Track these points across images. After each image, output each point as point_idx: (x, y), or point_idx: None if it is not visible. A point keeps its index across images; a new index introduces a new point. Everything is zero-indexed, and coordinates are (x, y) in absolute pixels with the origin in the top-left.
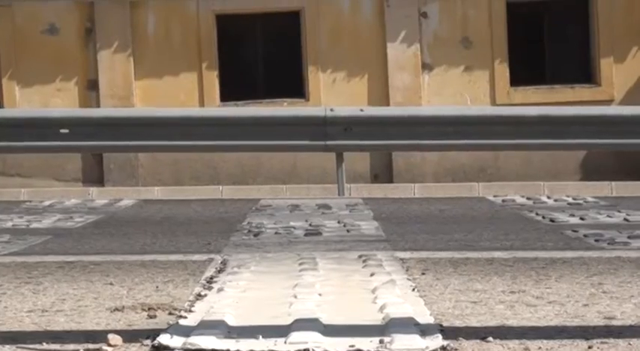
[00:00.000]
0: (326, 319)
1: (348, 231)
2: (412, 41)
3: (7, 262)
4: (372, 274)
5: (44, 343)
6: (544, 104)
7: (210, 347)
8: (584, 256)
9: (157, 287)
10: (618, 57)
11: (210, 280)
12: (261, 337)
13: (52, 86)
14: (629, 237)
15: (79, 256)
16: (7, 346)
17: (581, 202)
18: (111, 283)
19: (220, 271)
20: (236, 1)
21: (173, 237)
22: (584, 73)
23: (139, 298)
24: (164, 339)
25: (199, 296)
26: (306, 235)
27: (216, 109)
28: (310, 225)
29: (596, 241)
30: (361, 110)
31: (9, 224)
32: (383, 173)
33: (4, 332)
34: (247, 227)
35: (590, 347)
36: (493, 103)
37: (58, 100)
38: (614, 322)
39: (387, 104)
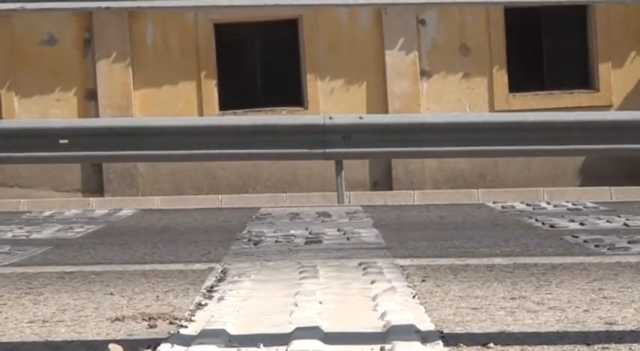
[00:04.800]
0: (327, 327)
1: (348, 239)
2: (410, 48)
3: (8, 272)
4: (372, 282)
5: None
6: (543, 110)
7: None
8: (585, 262)
9: (158, 297)
10: (616, 62)
11: (211, 289)
12: (262, 345)
13: (50, 96)
14: (628, 242)
15: (80, 266)
16: None
17: (580, 207)
18: (111, 293)
19: (221, 280)
20: (234, 10)
21: (173, 246)
22: (582, 78)
23: (140, 307)
24: (165, 348)
25: (200, 305)
26: (306, 243)
27: (216, 118)
28: (310, 233)
29: (596, 246)
30: (360, 118)
31: (9, 235)
32: (382, 180)
33: (5, 343)
34: (247, 236)
35: None
36: (492, 109)
37: (57, 111)
38: (615, 328)
39: (386, 112)
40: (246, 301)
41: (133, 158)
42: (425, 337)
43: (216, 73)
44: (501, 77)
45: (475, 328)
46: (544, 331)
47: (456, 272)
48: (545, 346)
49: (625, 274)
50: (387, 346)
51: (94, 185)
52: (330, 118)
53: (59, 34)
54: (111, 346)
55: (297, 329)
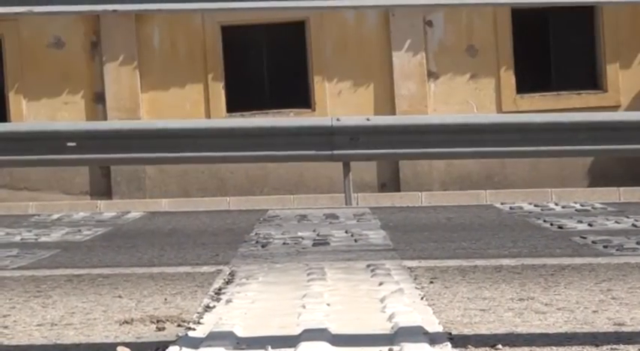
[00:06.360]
0: (335, 329)
1: (355, 240)
2: (418, 50)
3: (16, 275)
4: (380, 284)
5: None
6: (550, 111)
7: None
8: (593, 263)
9: (166, 299)
10: (624, 63)
11: (219, 292)
12: (270, 347)
13: (58, 99)
14: (637, 243)
15: (88, 269)
16: None
17: (589, 208)
18: (119, 296)
19: (228, 282)
20: (241, 12)
21: (181, 249)
22: (590, 79)
23: (148, 310)
24: None
25: (208, 308)
26: (314, 245)
27: (223, 120)
28: (318, 235)
29: (605, 247)
30: (367, 119)
31: (17, 238)
32: (390, 182)
33: (14, 346)
34: (255, 238)
35: None
36: (499, 110)
37: (64, 114)
38: (624, 329)
39: (393, 113)
40: (253, 303)
41: (141, 161)
42: (433, 339)
43: (223, 76)
44: (509, 78)
45: (483, 330)
46: (553, 332)
47: (464, 273)
48: (553, 347)
49: (634, 275)
50: (395, 348)
51: (102, 188)
52: (338, 119)
53: (67, 37)
54: (119, 348)
55: (305, 331)
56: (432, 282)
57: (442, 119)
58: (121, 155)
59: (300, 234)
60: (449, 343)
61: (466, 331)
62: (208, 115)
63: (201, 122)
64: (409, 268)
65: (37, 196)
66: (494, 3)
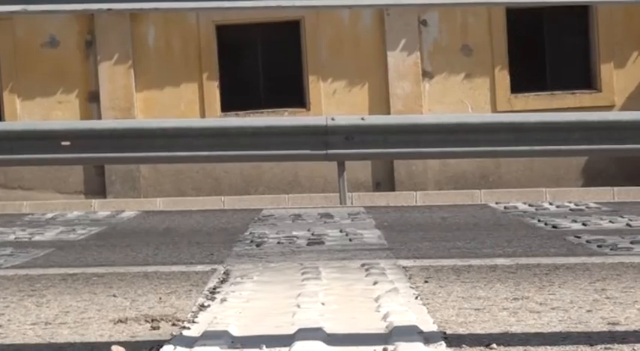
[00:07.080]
0: (329, 329)
1: (350, 240)
2: (412, 49)
3: (10, 275)
4: (374, 283)
5: None
6: (545, 111)
7: None
8: (587, 262)
9: (160, 298)
10: (618, 62)
11: (213, 291)
12: (264, 346)
13: (53, 99)
14: (631, 242)
15: (82, 268)
16: None
17: (583, 208)
18: (114, 295)
19: (223, 281)
20: (236, 12)
21: (175, 248)
22: (584, 79)
23: (142, 309)
24: (168, 350)
25: (202, 307)
26: (308, 244)
27: (217, 119)
28: (312, 234)
29: (599, 246)
30: (362, 119)
31: (11, 237)
32: (385, 181)
33: (8, 345)
34: (250, 237)
35: None
36: (494, 110)
37: (59, 113)
38: (618, 328)
39: (388, 113)
40: (248, 302)
41: (135, 160)
42: (428, 338)
43: (218, 75)
44: (503, 78)
45: (478, 329)
46: (547, 332)
47: (459, 273)
48: (548, 347)
49: (628, 275)
50: (390, 348)
51: (97, 187)
52: (332, 119)
53: (61, 36)
54: (114, 347)
55: (300, 330)
56: (426, 281)
57: (437, 119)
58: (116, 154)
59: (294, 233)
60: (443, 343)
61: (461, 330)
62: (203, 115)
63: (195, 122)
64: (404, 267)
65: (31, 195)
66: (490, 3)
